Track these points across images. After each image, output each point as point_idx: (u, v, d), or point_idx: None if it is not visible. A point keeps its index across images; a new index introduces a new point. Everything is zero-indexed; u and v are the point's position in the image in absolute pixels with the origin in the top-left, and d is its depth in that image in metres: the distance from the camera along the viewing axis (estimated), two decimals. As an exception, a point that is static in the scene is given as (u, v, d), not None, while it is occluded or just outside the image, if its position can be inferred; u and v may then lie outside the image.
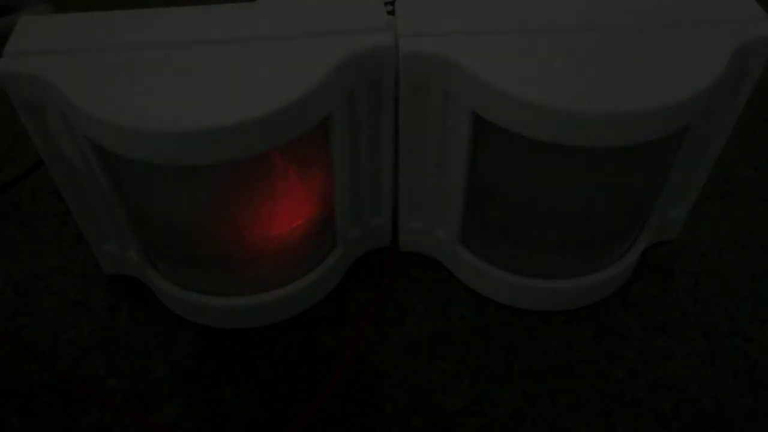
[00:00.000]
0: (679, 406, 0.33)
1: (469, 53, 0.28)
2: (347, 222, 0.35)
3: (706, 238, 0.40)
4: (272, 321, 0.36)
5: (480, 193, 0.33)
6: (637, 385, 0.33)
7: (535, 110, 0.27)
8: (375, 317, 0.36)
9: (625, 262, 0.36)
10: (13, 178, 0.41)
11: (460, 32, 0.29)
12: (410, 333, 0.35)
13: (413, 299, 0.37)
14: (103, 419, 0.32)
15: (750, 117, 0.47)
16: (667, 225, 0.38)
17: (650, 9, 0.30)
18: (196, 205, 0.31)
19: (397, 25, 0.30)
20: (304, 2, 0.31)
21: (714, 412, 0.32)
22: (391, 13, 0.30)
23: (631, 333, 0.35)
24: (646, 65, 0.28)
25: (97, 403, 0.33)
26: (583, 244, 0.35)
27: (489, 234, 0.35)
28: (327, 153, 0.31)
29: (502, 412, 0.32)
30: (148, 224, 0.33)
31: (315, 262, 0.35)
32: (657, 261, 0.39)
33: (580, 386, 0.33)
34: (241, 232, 0.32)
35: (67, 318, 0.36)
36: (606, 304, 0.37)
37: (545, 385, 0.33)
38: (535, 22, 0.30)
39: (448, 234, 0.36)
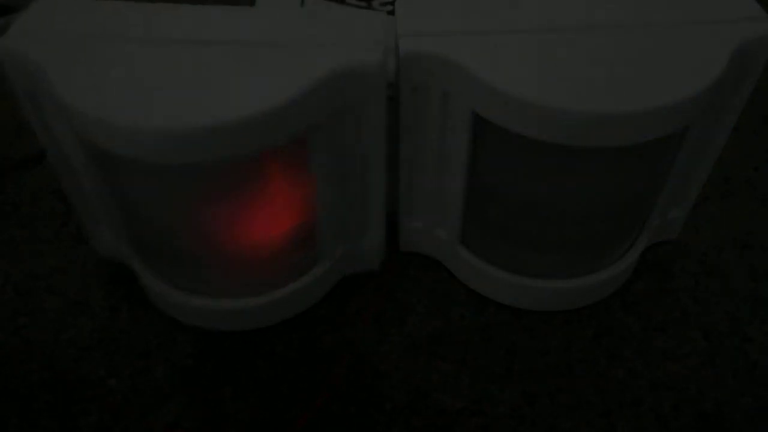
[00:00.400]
0: (679, 406, 0.33)
1: (469, 53, 0.28)
2: (331, 238, 0.34)
3: (706, 238, 0.40)
4: (250, 327, 0.35)
5: (480, 193, 0.33)
6: (637, 385, 0.33)
7: (535, 110, 0.27)
8: (375, 317, 0.36)
9: (625, 262, 0.36)
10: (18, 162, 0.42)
11: (460, 32, 0.29)
12: (410, 333, 0.35)
13: (413, 299, 0.37)
14: (103, 419, 0.32)
15: (750, 117, 0.47)
16: (667, 225, 0.38)
17: (650, 9, 0.30)
18: (172, 204, 0.31)
19: (397, 25, 0.30)
20: (305, 11, 0.30)
21: (714, 412, 0.32)
22: (391, 13, 0.30)
23: (631, 333, 0.35)
24: (646, 65, 0.28)
25: (97, 403, 0.33)
26: (583, 244, 0.35)
27: (489, 234, 0.35)
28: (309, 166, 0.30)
29: (502, 412, 0.32)
30: (131, 217, 0.33)
31: (296, 274, 0.35)
32: (657, 261, 0.39)
33: (580, 386, 0.33)
34: (213, 234, 0.32)
35: (67, 318, 0.36)
36: (606, 304, 0.37)
37: (545, 385, 0.33)
38: (535, 22, 0.30)
39: (448, 234, 0.36)
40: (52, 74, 0.27)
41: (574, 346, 0.35)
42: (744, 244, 0.39)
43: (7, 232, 0.40)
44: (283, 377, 0.34)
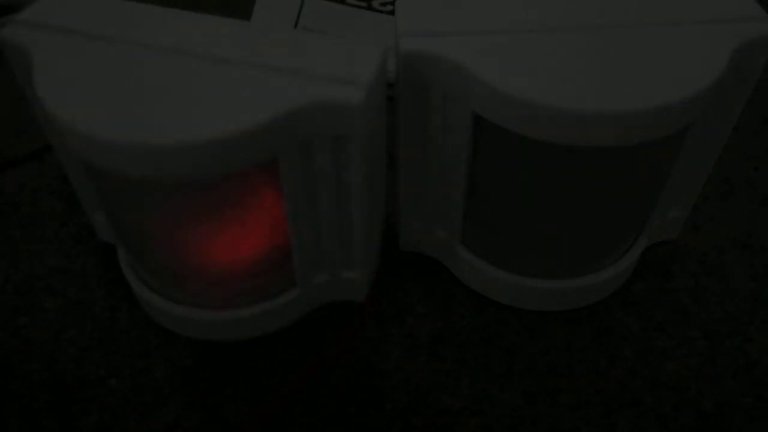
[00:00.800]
0: (679, 406, 0.33)
1: (470, 53, 0.28)
2: (308, 264, 0.33)
3: (706, 238, 0.40)
4: (216, 338, 0.35)
5: (480, 192, 0.33)
6: (637, 385, 0.33)
7: (535, 110, 0.27)
8: (375, 317, 0.36)
9: (625, 262, 0.36)
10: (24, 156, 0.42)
11: (460, 32, 0.29)
12: (410, 333, 0.35)
13: (413, 299, 0.37)
14: (103, 419, 0.32)
15: (750, 117, 0.47)
16: (667, 225, 0.38)
17: (650, 8, 0.30)
18: (139, 212, 0.31)
19: (397, 25, 0.30)
20: (297, 35, 0.29)
21: (714, 412, 0.32)
22: (391, 13, 0.30)
23: (631, 333, 0.35)
24: (646, 65, 0.28)
25: (97, 403, 0.33)
26: (583, 244, 0.35)
27: (489, 234, 0.35)
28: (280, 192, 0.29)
29: (502, 412, 0.32)
30: (109, 214, 0.33)
31: (270, 294, 0.34)
32: (657, 261, 0.39)
33: (580, 386, 0.33)
34: (176, 246, 0.31)
35: (67, 318, 0.36)
36: (606, 304, 0.37)
37: (545, 385, 0.33)
38: (535, 21, 0.30)
39: (448, 234, 0.36)
40: (36, 70, 0.27)
41: (574, 346, 0.35)
42: (744, 244, 0.39)
43: (7, 232, 0.40)
44: (283, 377, 0.34)
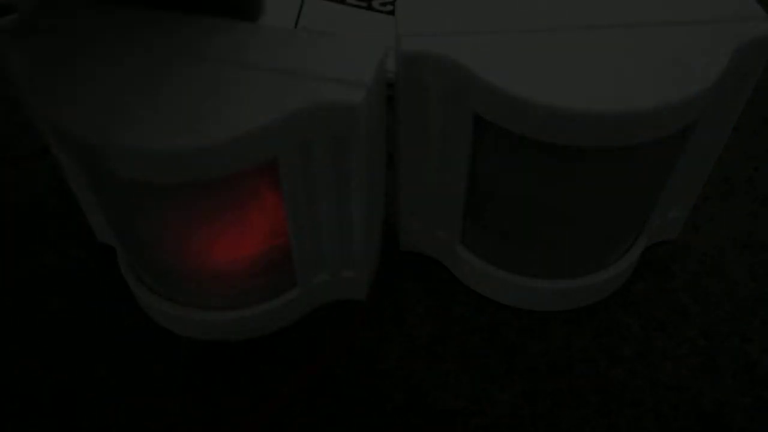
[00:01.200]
0: (679, 406, 0.33)
1: (470, 53, 0.28)
2: (308, 264, 0.33)
3: (706, 238, 0.40)
4: (215, 338, 0.35)
5: (480, 192, 0.33)
6: (637, 385, 0.33)
7: (535, 110, 0.27)
8: (375, 317, 0.36)
9: (625, 262, 0.36)
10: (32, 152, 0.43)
11: (461, 32, 0.29)
12: (410, 333, 0.35)
13: (413, 299, 0.37)
14: (103, 419, 0.32)
15: (750, 117, 0.47)
16: (667, 225, 0.38)
17: (650, 8, 0.30)
18: (137, 213, 0.31)
19: (398, 25, 0.30)
20: (297, 35, 0.29)
21: (714, 412, 0.32)
22: (391, 13, 0.30)
23: (631, 333, 0.35)
24: (646, 65, 0.28)
25: (97, 403, 0.33)
26: (583, 244, 0.35)
27: (489, 234, 0.35)
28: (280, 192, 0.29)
29: (502, 412, 0.32)
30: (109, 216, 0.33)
31: (269, 295, 0.34)
32: (657, 261, 0.39)
33: (580, 386, 0.33)
34: (180, 249, 0.32)
35: (67, 318, 0.36)
36: (606, 304, 0.37)
37: (545, 385, 0.33)
38: (535, 21, 0.30)
39: (449, 234, 0.36)
40: (34, 76, 0.27)
41: (574, 346, 0.35)
42: (744, 244, 0.39)
43: (7, 232, 0.40)
44: (283, 377, 0.34)
